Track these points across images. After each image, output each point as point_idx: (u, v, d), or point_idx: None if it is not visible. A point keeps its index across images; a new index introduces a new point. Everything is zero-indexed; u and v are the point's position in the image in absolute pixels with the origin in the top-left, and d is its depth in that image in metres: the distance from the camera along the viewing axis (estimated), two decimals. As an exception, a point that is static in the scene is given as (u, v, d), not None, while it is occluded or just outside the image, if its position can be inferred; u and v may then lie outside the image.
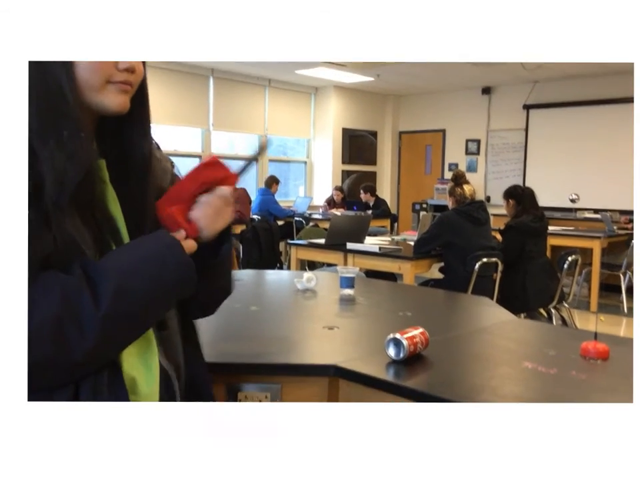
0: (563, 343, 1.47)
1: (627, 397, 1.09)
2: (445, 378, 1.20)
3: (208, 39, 0.82)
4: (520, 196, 4.15)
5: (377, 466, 0.74)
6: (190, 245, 0.84)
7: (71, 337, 0.71)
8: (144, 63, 0.86)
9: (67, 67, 0.76)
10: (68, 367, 0.73)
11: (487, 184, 8.69)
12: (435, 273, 4.25)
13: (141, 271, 0.78)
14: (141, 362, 0.82)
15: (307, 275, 2.09)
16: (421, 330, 1.30)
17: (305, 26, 0.84)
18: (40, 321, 0.70)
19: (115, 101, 0.81)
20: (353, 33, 0.85)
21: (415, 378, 1.20)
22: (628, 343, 1.49)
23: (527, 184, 8.25)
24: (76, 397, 0.76)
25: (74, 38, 0.75)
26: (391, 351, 1.25)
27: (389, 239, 5.00)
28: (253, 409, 0.78)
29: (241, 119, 7.81)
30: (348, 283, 1.97)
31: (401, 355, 1.23)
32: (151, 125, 0.91)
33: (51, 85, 0.75)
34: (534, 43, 0.85)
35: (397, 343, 1.24)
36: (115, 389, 0.78)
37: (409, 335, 1.27)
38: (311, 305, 1.92)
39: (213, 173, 0.85)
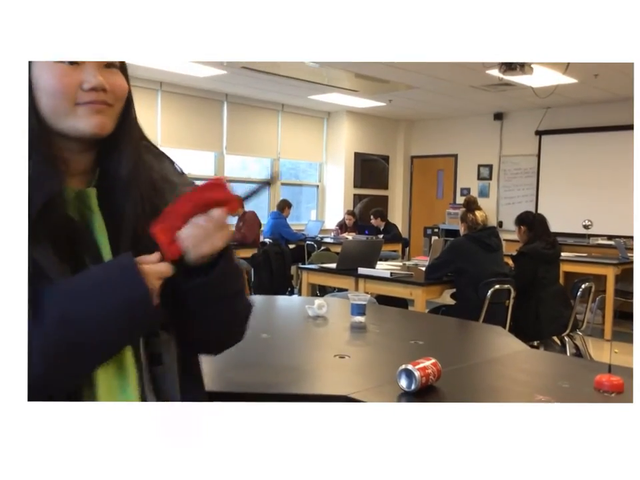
0: (577, 375, 1.45)
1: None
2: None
3: (208, 38, 0.82)
4: (531, 222, 4.12)
5: (379, 467, 0.74)
6: (161, 269, 0.77)
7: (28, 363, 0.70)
8: (126, 77, 0.82)
9: (29, 95, 0.74)
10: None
11: (499, 209, 8.67)
12: (446, 298, 4.22)
13: (87, 293, 0.74)
14: (119, 398, 0.78)
15: (318, 301, 2.08)
16: (432, 361, 1.29)
17: (305, 26, 0.83)
18: None
19: (89, 123, 0.77)
20: (354, 33, 0.85)
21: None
22: (643, 376, 1.46)
23: (540, 210, 8.22)
24: None
25: (74, 38, 0.75)
26: (403, 382, 1.24)
27: (401, 263, 4.99)
28: (252, 409, 0.78)
29: (254, 143, 7.89)
30: (359, 310, 1.97)
31: (413, 387, 1.22)
32: (138, 144, 0.86)
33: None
34: (534, 43, 0.85)
35: (409, 374, 1.23)
36: None
37: (421, 365, 1.26)
38: (322, 333, 1.92)
39: (211, 194, 0.81)
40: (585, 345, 4.29)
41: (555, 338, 4.13)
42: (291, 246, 6.93)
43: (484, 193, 8.84)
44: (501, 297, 3.81)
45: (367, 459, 0.74)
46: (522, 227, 4.13)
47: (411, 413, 0.79)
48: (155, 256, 0.78)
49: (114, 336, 0.76)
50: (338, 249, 5.12)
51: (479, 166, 8.91)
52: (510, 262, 4.23)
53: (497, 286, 3.70)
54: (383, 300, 3.99)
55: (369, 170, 9.15)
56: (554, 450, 0.72)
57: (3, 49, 0.72)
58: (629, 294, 5.69)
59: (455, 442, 0.74)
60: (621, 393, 1.29)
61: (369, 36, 0.85)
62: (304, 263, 5.61)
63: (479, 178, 8.94)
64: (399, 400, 1.21)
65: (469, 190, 8.92)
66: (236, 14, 0.82)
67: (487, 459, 0.73)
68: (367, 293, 4.16)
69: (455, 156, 9.13)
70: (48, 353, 0.70)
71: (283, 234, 6.81)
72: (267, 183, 6.82)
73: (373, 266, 4.26)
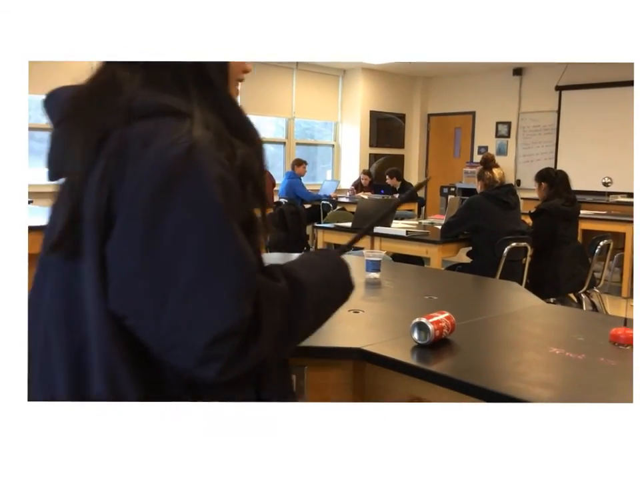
0: (592, 329, 1.45)
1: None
2: (470, 363, 1.20)
3: (208, 38, 0.81)
4: (553, 179, 4.05)
5: (381, 466, 0.74)
6: None
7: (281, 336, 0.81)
8: None
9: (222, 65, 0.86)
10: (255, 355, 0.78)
11: (517, 167, 8.55)
12: (462, 257, 4.21)
13: (324, 284, 0.90)
14: None
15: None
16: (446, 314, 1.29)
17: (305, 26, 0.83)
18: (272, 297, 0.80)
19: (236, 96, 0.91)
20: (356, 33, 0.84)
21: (440, 362, 1.20)
22: (660, 329, 1.46)
23: (559, 167, 8.09)
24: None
25: (74, 38, 0.75)
26: (416, 335, 1.24)
27: (417, 222, 4.97)
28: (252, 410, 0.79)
29: (269, 102, 7.80)
30: (374, 266, 1.97)
31: (427, 339, 1.23)
32: None
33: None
34: (534, 42, 0.85)
35: (423, 327, 1.24)
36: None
37: (435, 319, 1.26)
38: (337, 289, 1.92)
39: None
40: (601, 302, 4.27)
41: (572, 295, 4.11)
42: (307, 206, 6.92)
43: (502, 151, 8.70)
44: (518, 254, 3.79)
45: (365, 460, 0.75)
46: (542, 183, 4.06)
47: (413, 412, 0.78)
48: None
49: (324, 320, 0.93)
50: (353, 209, 5.10)
51: (497, 123, 8.74)
52: (528, 219, 4.19)
53: (514, 244, 3.68)
54: (399, 259, 3.98)
55: (385, 129, 9.03)
56: (553, 450, 0.72)
57: (2, 49, 0.72)
58: (648, 252, 5.62)
59: (457, 441, 0.75)
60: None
61: (370, 35, 0.85)
62: (319, 223, 5.60)
63: (497, 136, 8.79)
64: (412, 353, 1.21)
65: (486, 148, 8.78)
66: (237, 13, 0.81)
67: (486, 459, 0.73)
68: (383, 251, 4.16)
69: (473, 113, 8.97)
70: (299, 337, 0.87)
71: (298, 193, 6.79)
72: (281, 143, 6.74)
73: (388, 225, 4.25)
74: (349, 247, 1.11)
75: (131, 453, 0.72)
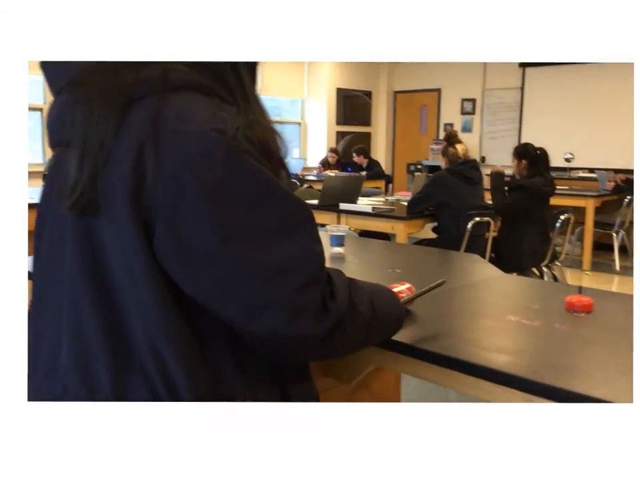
0: (548, 297, 1.49)
1: (609, 349, 1.11)
2: (430, 331, 1.22)
3: (207, 38, 0.82)
4: (534, 157, 4.01)
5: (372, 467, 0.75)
6: None
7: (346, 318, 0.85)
8: None
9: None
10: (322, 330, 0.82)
11: (482, 144, 8.64)
12: (428, 232, 4.26)
13: (381, 299, 0.98)
14: None
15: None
16: (407, 285, 1.31)
17: (305, 25, 0.84)
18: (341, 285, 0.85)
19: None
20: (354, 33, 0.85)
21: (400, 332, 1.22)
22: (612, 296, 1.51)
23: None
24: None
25: (74, 38, 0.75)
26: None
27: (383, 199, 5.00)
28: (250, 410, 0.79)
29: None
30: (338, 241, 1.98)
31: None
32: None
33: None
34: (534, 42, 0.85)
35: None
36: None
37: (396, 290, 1.27)
38: (301, 264, 1.93)
39: None
40: (562, 275, 4.38)
41: (534, 269, 4.21)
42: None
43: (467, 128, 8.78)
44: (481, 229, 3.85)
45: (361, 460, 0.75)
46: (523, 160, 4.02)
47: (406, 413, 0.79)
48: None
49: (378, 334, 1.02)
50: (320, 187, 5.09)
51: (463, 100, 8.80)
52: (488, 196, 4.21)
53: (477, 218, 3.74)
54: (366, 236, 4.01)
55: (352, 106, 9.01)
56: (552, 450, 0.72)
57: (2, 49, 0.71)
58: (608, 225, 5.78)
59: (455, 442, 0.75)
60: (590, 313, 1.33)
61: (369, 35, 0.85)
62: (286, 201, 5.58)
63: (463, 113, 8.86)
64: (374, 323, 1.23)
65: (452, 125, 8.85)
66: (233, 12, 0.81)
67: (486, 459, 0.74)
68: (350, 228, 4.18)
69: (439, 90, 9.01)
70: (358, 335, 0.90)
71: (265, 172, 6.74)
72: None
73: (354, 201, 4.27)
74: (416, 296, 1.23)
75: (132, 453, 0.72)
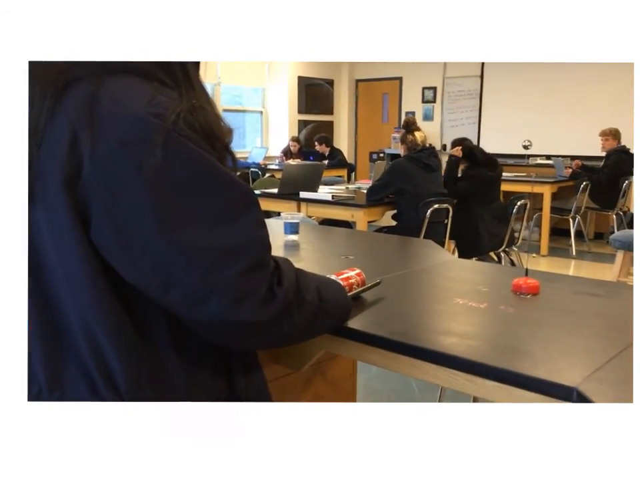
0: (497, 280, 1.50)
1: (552, 330, 1.13)
2: (379, 316, 1.22)
3: (207, 37, 0.82)
4: (471, 155, 4.27)
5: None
6: None
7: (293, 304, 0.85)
8: None
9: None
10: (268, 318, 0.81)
11: (443, 132, 8.71)
12: (388, 220, 4.28)
13: (329, 289, 1.00)
14: None
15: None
16: (357, 271, 1.31)
17: (304, 25, 0.83)
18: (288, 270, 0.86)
19: None
20: (352, 33, 0.84)
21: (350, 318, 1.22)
22: (559, 278, 1.53)
23: (482, 131, 8.31)
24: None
25: (74, 38, 0.76)
26: None
27: (344, 187, 5.00)
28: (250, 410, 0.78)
29: (203, 67, 7.56)
30: (292, 228, 1.97)
31: None
32: None
33: None
34: (533, 42, 0.85)
35: None
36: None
37: (344, 276, 1.27)
38: (255, 252, 1.91)
39: None
40: (519, 259, 4.46)
41: (492, 254, 4.28)
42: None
43: (428, 116, 8.84)
44: (440, 215, 3.89)
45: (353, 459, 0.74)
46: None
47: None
48: None
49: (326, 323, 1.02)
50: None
51: (424, 89, 8.85)
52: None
53: (436, 205, 3.78)
54: (327, 224, 4.01)
55: (313, 95, 8.97)
56: (552, 450, 0.72)
57: (3, 49, 0.72)
58: (564, 211, 5.91)
59: (454, 442, 0.74)
60: (536, 295, 1.35)
61: (369, 35, 0.85)
62: (248, 190, 5.54)
63: (424, 101, 8.91)
64: (322, 309, 1.22)
65: (413, 113, 8.89)
66: (232, 12, 0.82)
67: (484, 459, 0.73)
68: (311, 217, 4.17)
69: (400, 79, 9.03)
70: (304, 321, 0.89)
71: (226, 161, 6.68)
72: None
73: (315, 190, 4.26)
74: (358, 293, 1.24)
75: (132, 453, 0.71)
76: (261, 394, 0.96)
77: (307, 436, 0.76)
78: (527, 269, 1.42)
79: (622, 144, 5.95)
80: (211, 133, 0.81)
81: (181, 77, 0.84)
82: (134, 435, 0.72)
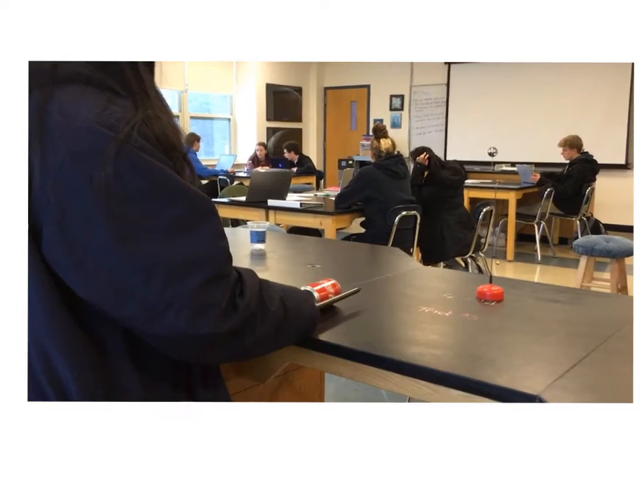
0: (462, 288, 1.51)
1: (515, 337, 1.13)
2: (343, 326, 1.21)
3: (207, 37, 0.82)
4: (434, 162, 4.39)
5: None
6: None
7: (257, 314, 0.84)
8: None
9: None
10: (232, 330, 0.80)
11: (411, 139, 8.80)
12: (356, 227, 4.29)
13: (293, 298, 0.98)
14: None
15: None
16: (332, 282, 1.28)
17: (303, 25, 0.83)
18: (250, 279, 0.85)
19: None
20: (351, 33, 0.84)
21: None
22: (522, 285, 1.54)
23: (449, 139, 8.42)
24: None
25: (74, 38, 0.76)
26: None
27: (312, 195, 5.00)
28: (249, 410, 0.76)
29: (159, 74, 7.50)
30: (258, 237, 1.95)
31: None
32: None
33: None
34: (533, 43, 0.84)
35: None
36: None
37: (320, 287, 1.24)
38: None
39: None
40: (486, 265, 4.52)
41: (460, 260, 4.32)
42: (204, 181, 6.77)
43: (396, 124, 8.92)
44: (408, 222, 3.91)
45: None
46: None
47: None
48: None
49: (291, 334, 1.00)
50: (249, 183, 5.04)
51: (391, 96, 8.94)
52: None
53: (404, 212, 3.80)
54: (296, 232, 3.99)
55: (282, 102, 8.98)
56: (551, 450, 0.71)
57: (3, 49, 0.71)
58: (529, 217, 6.01)
59: (453, 442, 0.73)
60: (500, 301, 1.36)
61: (368, 35, 0.84)
62: (216, 198, 5.49)
63: (392, 109, 8.99)
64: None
65: (381, 121, 8.96)
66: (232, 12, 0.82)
67: (483, 459, 0.72)
68: (279, 225, 4.15)
69: (368, 87, 9.10)
70: (267, 330, 0.87)
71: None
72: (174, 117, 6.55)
73: (283, 197, 4.24)
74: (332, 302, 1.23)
75: (132, 453, 0.70)
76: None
77: (269, 436, 0.74)
78: (491, 276, 1.43)
79: (585, 150, 6.08)
80: (167, 142, 0.79)
81: (135, 85, 0.82)
82: (133, 435, 0.72)
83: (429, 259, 4.20)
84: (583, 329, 1.18)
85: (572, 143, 6.03)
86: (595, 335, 1.13)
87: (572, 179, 5.94)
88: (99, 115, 0.74)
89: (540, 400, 0.85)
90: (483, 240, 4.47)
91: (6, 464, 0.68)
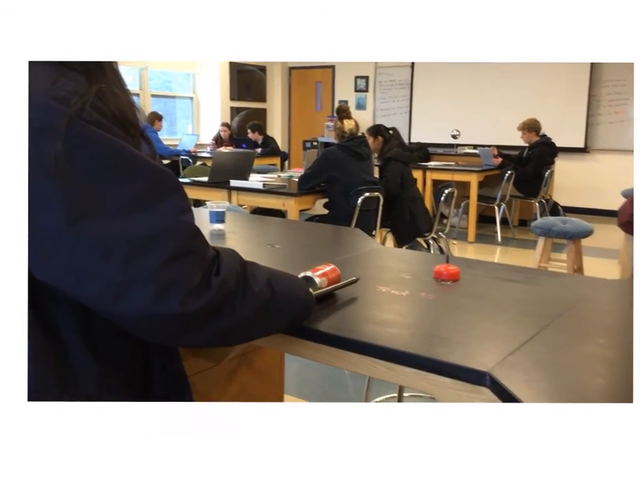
0: (420, 268, 1.52)
1: (470, 315, 1.15)
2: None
3: (206, 37, 0.82)
4: (387, 136, 4.42)
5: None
6: None
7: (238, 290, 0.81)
8: None
9: None
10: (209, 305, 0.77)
11: (376, 121, 8.80)
12: (320, 208, 4.29)
13: (284, 281, 0.94)
14: None
15: (176, 211, 2.01)
16: (331, 267, 1.22)
17: (303, 26, 0.82)
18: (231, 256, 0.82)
19: None
20: (352, 33, 0.83)
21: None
22: (479, 265, 1.57)
23: (413, 121, 8.46)
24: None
25: (74, 38, 0.76)
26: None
27: (276, 176, 4.97)
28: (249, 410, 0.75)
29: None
30: (217, 217, 1.92)
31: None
32: None
33: None
34: (533, 43, 0.84)
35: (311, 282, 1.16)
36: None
37: (320, 272, 1.17)
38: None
39: None
40: (448, 246, 4.58)
41: (422, 241, 4.37)
42: (165, 161, 6.66)
43: (361, 105, 8.91)
44: (372, 204, 3.93)
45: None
46: (379, 137, 4.39)
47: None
48: None
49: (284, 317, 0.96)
50: (212, 163, 4.98)
51: (356, 77, 8.91)
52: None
53: (367, 194, 3.81)
54: (259, 214, 3.97)
55: (246, 81, 8.86)
56: (551, 450, 0.71)
57: (3, 49, 0.71)
58: (490, 199, 6.10)
59: (453, 442, 0.72)
60: (456, 281, 1.37)
61: (368, 35, 0.84)
62: (177, 178, 5.41)
63: (356, 90, 8.97)
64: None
65: (346, 102, 8.94)
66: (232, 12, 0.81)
67: (483, 459, 0.71)
68: (242, 206, 4.12)
69: (333, 67, 9.05)
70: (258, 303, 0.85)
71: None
72: (135, 94, 6.46)
73: (246, 178, 4.20)
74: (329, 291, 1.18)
75: (132, 453, 0.70)
76: (180, 391, 0.93)
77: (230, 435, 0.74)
78: (447, 256, 1.45)
79: (543, 134, 6.19)
80: (123, 118, 0.77)
81: (91, 60, 0.79)
82: (134, 435, 0.72)
83: (403, 239, 4.23)
84: (535, 307, 1.20)
85: (530, 127, 6.14)
86: (547, 313, 1.16)
87: (532, 162, 6.05)
88: (50, 89, 0.71)
89: (490, 377, 0.87)
90: (445, 221, 4.53)
91: (6, 464, 0.67)
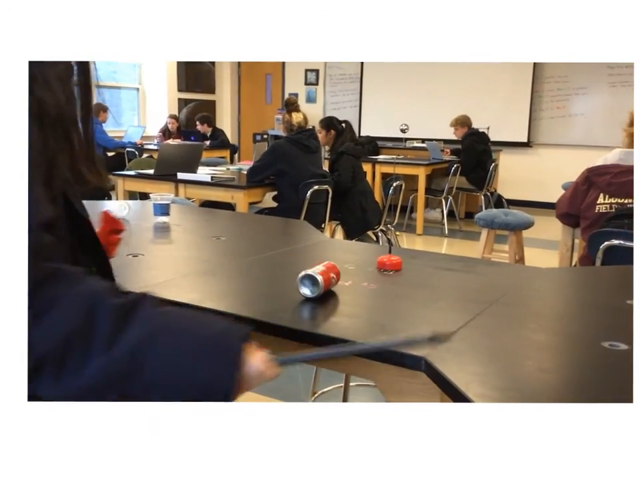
0: (364, 259, 1.55)
1: (409, 303, 1.18)
2: (245, 297, 1.21)
3: (205, 37, 0.82)
4: (342, 129, 4.40)
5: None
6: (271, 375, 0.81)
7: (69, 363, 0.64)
8: None
9: None
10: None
11: (326, 114, 8.82)
12: (271, 202, 4.28)
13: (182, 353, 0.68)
14: None
15: (119, 202, 1.98)
16: (326, 263, 1.22)
17: (303, 26, 0.82)
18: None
19: None
20: (351, 33, 0.83)
21: (210, 299, 1.20)
22: (421, 255, 1.61)
23: (363, 114, 8.52)
24: None
25: (74, 38, 0.76)
26: (306, 290, 1.16)
27: (225, 168, 4.93)
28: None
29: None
30: (162, 210, 1.90)
31: (316, 293, 1.16)
32: None
33: None
34: (533, 43, 0.84)
35: (315, 282, 1.17)
36: None
37: (316, 270, 1.15)
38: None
39: None
40: (396, 239, 4.65)
41: (371, 234, 4.42)
42: (110, 154, 6.50)
43: (311, 99, 8.91)
44: (321, 197, 3.95)
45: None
46: (332, 130, 4.36)
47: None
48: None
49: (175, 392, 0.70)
50: (159, 155, 4.89)
51: (306, 71, 8.90)
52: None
53: (316, 187, 3.82)
54: (209, 207, 3.92)
55: (194, 73, 8.72)
56: (550, 450, 0.71)
57: (3, 49, 0.71)
58: (438, 192, 6.22)
59: (457, 443, 0.71)
60: (398, 271, 1.41)
61: (368, 35, 0.84)
62: (122, 171, 5.29)
63: (307, 83, 8.96)
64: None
65: (296, 95, 8.92)
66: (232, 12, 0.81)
67: (483, 459, 0.71)
68: (190, 199, 4.07)
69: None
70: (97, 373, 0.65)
71: (99, 141, 6.33)
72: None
73: (194, 171, 4.15)
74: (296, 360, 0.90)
75: (131, 453, 0.69)
76: None
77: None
78: (390, 247, 1.48)
79: (474, 127, 6.36)
80: (46, 116, 0.74)
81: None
82: (133, 435, 0.71)
83: (353, 232, 4.26)
84: (472, 294, 1.25)
85: (462, 122, 6.33)
86: (482, 300, 1.20)
87: (465, 152, 6.24)
88: None
89: (425, 361, 0.90)
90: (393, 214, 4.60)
91: (6, 464, 0.67)
